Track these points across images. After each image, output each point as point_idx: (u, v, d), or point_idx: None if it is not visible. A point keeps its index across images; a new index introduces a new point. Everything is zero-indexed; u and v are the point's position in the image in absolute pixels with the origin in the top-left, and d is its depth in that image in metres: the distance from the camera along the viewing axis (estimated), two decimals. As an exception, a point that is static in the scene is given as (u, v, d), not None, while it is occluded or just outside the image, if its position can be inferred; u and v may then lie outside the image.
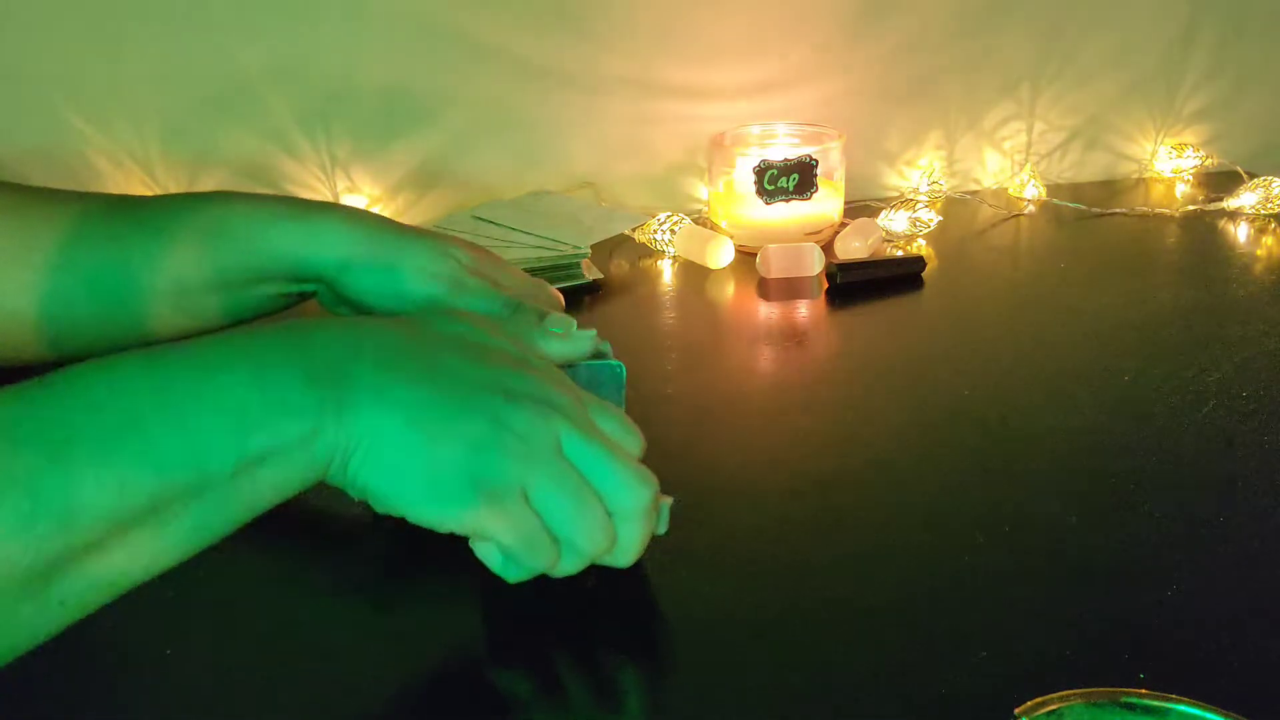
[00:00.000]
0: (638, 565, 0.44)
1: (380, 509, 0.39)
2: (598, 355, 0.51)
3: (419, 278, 0.53)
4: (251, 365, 0.36)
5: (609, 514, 0.41)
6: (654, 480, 0.42)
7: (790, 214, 0.86)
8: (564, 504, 0.40)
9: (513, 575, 0.42)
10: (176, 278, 0.53)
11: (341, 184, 0.91)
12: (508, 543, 0.39)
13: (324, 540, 0.51)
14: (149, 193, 0.88)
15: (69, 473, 0.31)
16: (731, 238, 0.86)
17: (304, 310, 0.58)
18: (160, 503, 0.33)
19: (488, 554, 0.42)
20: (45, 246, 0.52)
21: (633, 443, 0.43)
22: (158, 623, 0.44)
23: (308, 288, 0.55)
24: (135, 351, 0.35)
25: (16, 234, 0.52)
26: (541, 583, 0.42)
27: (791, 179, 0.85)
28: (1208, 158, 1.04)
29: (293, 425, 0.36)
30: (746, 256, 0.86)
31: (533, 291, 0.58)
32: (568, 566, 0.41)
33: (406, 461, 0.38)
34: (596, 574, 0.45)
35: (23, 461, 0.31)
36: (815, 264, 0.81)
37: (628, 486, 0.41)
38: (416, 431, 0.38)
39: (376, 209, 0.92)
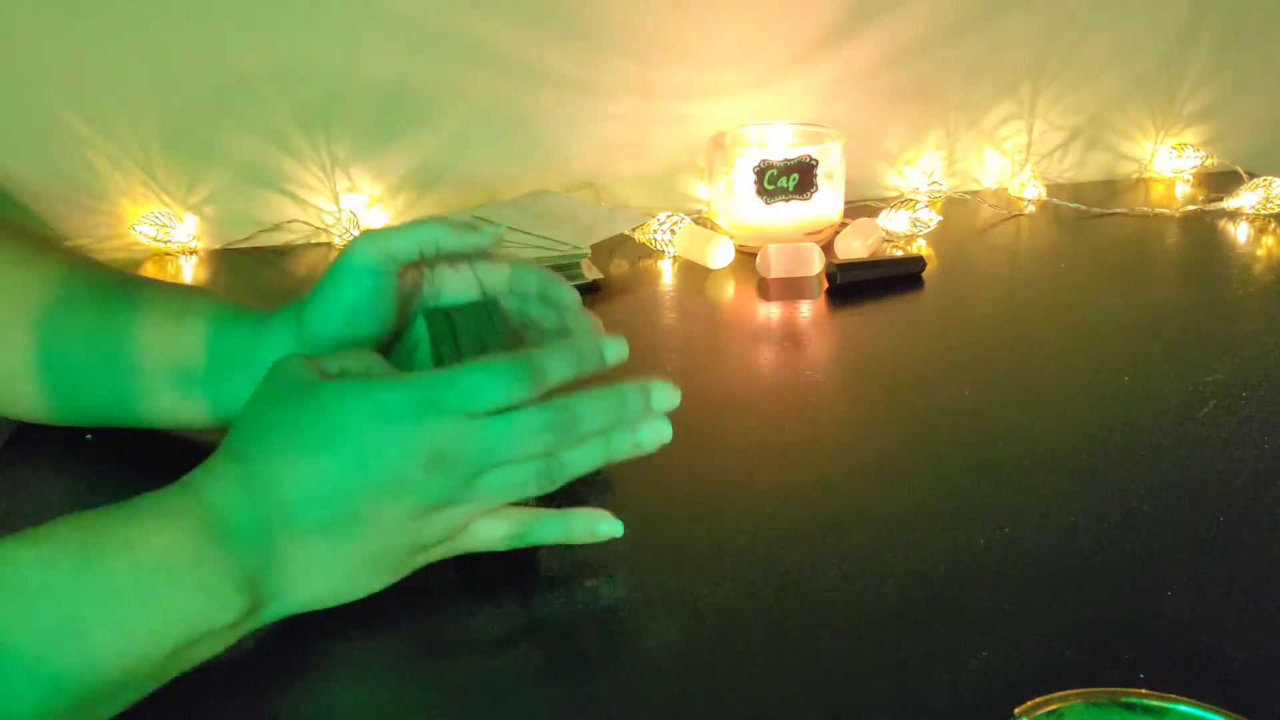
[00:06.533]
0: (638, 565, 0.44)
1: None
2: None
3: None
4: (190, 564, 0.37)
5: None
6: (520, 371, 0.40)
7: (790, 214, 0.86)
8: (498, 447, 0.40)
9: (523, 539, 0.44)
10: (170, 360, 0.51)
11: (341, 184, 0.91)
12: (513, 531, 0.43)
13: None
14: (149, 192, 0.88)
15: (2, 673, 0.32)
16: (731, 238, 0.86)
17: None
18: (91, 698, 0.34)
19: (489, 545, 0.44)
20: (32, 307, 0.50)
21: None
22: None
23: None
24: (71, 535, 0.35)
25: (4, 291, 0.51)
26: (535, 584, 0.42)
27: (791, 179, 0.85)
28: (1208, 158, 1.04)
29: (226, 615, 0.38)
30: (746, 256, 0.86)
31: None
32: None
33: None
34: (598, 574, 0.45)
35: None
36: (815, 264, 0.81)
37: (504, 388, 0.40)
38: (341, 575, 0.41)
39: (376, 209, 0.92)
